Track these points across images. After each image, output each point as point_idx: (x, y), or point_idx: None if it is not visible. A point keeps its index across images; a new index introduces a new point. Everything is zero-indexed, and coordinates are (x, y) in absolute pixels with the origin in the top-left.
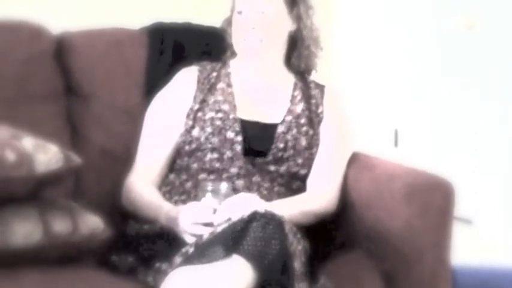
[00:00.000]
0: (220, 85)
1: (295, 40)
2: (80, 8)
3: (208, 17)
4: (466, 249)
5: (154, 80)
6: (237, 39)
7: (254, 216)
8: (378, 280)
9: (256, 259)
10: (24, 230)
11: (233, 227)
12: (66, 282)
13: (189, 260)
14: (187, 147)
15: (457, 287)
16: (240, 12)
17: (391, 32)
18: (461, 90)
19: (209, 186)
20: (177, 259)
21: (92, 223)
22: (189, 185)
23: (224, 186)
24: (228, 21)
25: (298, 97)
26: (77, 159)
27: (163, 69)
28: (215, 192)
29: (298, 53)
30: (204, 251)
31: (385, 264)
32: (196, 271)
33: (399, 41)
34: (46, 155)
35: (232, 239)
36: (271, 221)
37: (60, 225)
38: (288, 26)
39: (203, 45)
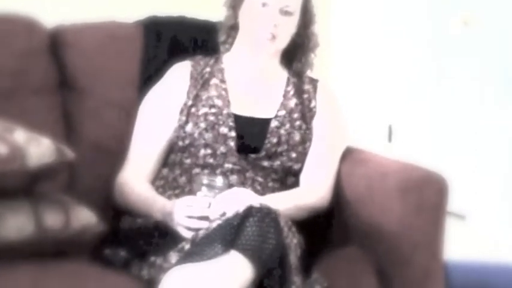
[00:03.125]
0: (214, 80)
1: (295, 43)
2: (74, 1)
3: (202, 10)
4: (460, 245)
5: (149, 74)
6: (253, 29)
7: (250, 211)
8: (372, 276)
9: (254, 255)
10: (17, 224)
11: (229, 222)
12: (59, 275)
13: (187, 257)
14: (180, 143)
15: (450, 282)
16: (264, 5)
17: (386, 28)
18: (454, 86)
19: (204, 179)
20: (173, 255)
21: (85, 217)
22: (182, 179)
23: (220, 180)
24: (236, 1)
25: (291, 92)
26: (70, 152)
27: (158, 63)
28: (210, 186)
29: (296, 57)
30: (202, 248)
31: (379, 260)
32: (195, 268)
33: (394, 37)
34: (38, 148)
35: (229, 235)
36: (266, 215)
37: (53, 219)
38: (295, 29)
39: (198, 39)
